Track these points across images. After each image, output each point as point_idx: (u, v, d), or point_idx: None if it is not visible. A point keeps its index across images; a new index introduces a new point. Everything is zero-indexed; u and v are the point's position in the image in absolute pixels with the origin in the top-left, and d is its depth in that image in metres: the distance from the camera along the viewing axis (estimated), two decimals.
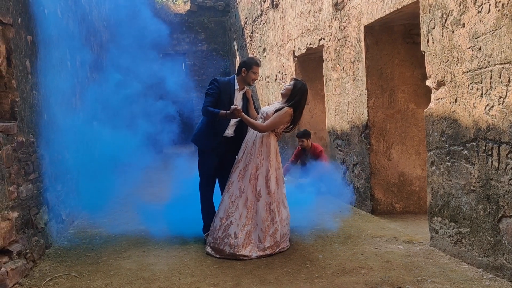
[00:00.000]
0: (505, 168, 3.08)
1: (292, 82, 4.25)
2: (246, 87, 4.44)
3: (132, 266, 3.79)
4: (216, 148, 4.34)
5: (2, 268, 3.14)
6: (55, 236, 4.51)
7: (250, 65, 4.31)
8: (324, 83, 6.75)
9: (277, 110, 4.16)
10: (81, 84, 6.53)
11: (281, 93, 4.33)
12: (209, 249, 4.06)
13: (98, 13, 8.53)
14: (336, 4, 6.02)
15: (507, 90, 3.03)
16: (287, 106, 4.14)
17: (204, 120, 4.37)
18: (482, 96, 3.27)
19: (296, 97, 4.16)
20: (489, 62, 3.18)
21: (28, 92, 3.93)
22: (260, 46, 10.80)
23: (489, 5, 3.15)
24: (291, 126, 4.26)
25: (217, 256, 3.96)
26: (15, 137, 3.56)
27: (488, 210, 3.27)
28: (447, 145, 3.74)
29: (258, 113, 4.44)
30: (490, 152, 3.23)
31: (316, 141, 8.10)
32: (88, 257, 4.08)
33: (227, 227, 4.01)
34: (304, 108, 4.35)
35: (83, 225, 5.37)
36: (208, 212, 4.39)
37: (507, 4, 2.98)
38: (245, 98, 4.43)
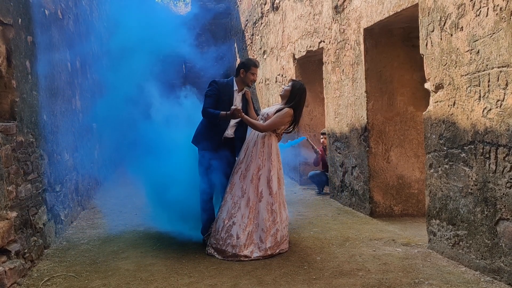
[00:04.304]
0: (502, 171, 3.09)
1: (290, 83, 4.28)
2: (245, 88, 4.46)
3: (130, 267, 3.80)
4: (216, 149, 4.34)
5: (0, 268, 3.15)
6: (53, 236, 4.51)
7: (249, 66, 4.33)
8: (324, 85, 6.77)
9: (278, 110, 4.18)
10: (81, 86, 6.54)
11: (280, 95, 4.36)
12: (211, 250, 4.06)
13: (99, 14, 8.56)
14: (336, 7, 6.04)
15: (504, 93, 3.04)
16: (287, 107, 4.17)
17: (204, 122, 4.38)
18: (480, 99, 3.29)
19: (296, 98, 4.18)
20: (487, 65, 3.20)
21: (28, 92, 3.94)
22: (260, 49, 10.82)
23: (487, 8, 3.16)
24: (291, 127, 4.28)
25: (220, 257, 3.97)
26: (15, 137, 3.57)
27: (486, 213, 3.28)
28: (445, 148, 3.75)
29: (257, 115, 4.46)
30: (487, 155, 3.24)
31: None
32: (86, 258, 4.09)
33: (229, 228, 4.02)
34: (303, 109, 4.38)
35: (81, 226, 5.37)
36: (208, 213, 4.39)
37: (505, 7, 2.99)
38: (244, 99, 4.44)
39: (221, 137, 4.33)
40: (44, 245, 4.20)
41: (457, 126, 3.57)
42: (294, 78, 7.97)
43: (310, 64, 7.99)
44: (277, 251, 4.03)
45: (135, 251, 4.25)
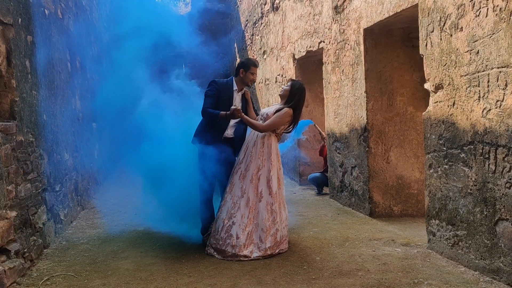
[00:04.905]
0: (502, 171, 3.09)
1: (289, 83, 4.29)
2: (245, 88, 4.46)
3: (130, 267, 3.80)
4: (216, 149, 4.33)
5: (0, 267, 3.15)
6: (53, 236, 4.52)
7: (248, 66, 4.33)
8: (324, 86, 6.77)
9: (277, 110, 4.18)
10: (81, 86, 6.54)
11: (280, 95, 4.36)
12: (211, 250, 4.07)
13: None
14: (336, 7, 6.05)
15: (504, 93, 3.04)
16: (287, 107, 4.17)
17: (204, 122, 4.38)
18: (479, 99, 3.29)
19: (295, 98, 4.19)
20: (486, 65, 3.20)
21: (28, 92, 3.94)
22: (260, 49, 10.82)
23: (487, 9, 3.16)
24: (291, 127, 4.28)
25: (219, 257, 3.97)
26: (14, 137, 3.57)
27: (485, 213, 3.28)
28: (445, 148, 3.75)
29: (257, 115, 4.46)
30: (487, 155, 3.24)
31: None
32: (86, 257, 4.09)
33: (229, 228, 4.02)
34: (303, 109, 4.38)
35: (81, 226, 5.37)
36: (207, 213, 4.39)
37: (505, 8, 3.00)
38: (244, 99, 4.44)
39: (221, 137, 4.34)
40: (44, 245, 4.20)
41: (457, 127, 3.57)
42: (294, 78, 7.97)
43: (310, 64, 7.99)
44: (277, 251, 4.03)
45: (135, 250, 4.25)
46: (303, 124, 6.01)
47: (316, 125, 6.89)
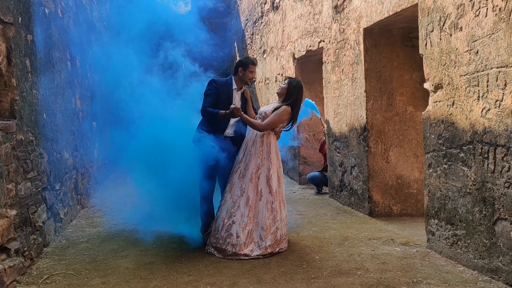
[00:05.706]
0: (501, 171, 3.10)
1: (287, 81, 4.31)
2: (244, 87, 4.46)
3: (130, 265, 3.80)
4: (216, 148, 4.34)
5: (0, 266, 3.16)
6: (53, 234, 4.52)
7: (247, 64, 4.33)
8: (323, 85, 6.78)
9: (276, 109, 4.19)
10: (81, 85, 6.54)
11: (277, 93, 4.37)
12: (211, 249, 4.07)
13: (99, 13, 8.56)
14: (336, 7, 6.05)
15: (503, 93, 3.05)
16: (285, 105, 4.18)
17: (203, 121, 4.38)
18: (479, 99, 3.30)
19: (293, 95, 4.20)
20: (486, 65, 3.21)
21: (28, 91, 3.95)
22: (260, 48, 10.82)
23: (487, 9, 3.17)
24: (290, 125, 4.29)
25: (219, 256, 3.98)
26: (14, 136, 3.58)
27: (484, 213, 3.29)
28: (444, 148, 3.76)
29: (256, 114, 4.46)
30: (486, 155, 3.25)
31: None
32: (86, 256, 4.09)
33: (229, 227, 4.03)
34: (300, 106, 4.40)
35: (81, 224, 5.38)
36: (207, 212, 4.39)
37: (504, 8, 3.00)
38: (243, 98, 4.45)
39: (221, 136, 4.34)
40: (44, 243, 4.20)
41: (456, 126, 3.58)
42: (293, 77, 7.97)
43: (310, 63, 7.99)
44: (277, 249, 4.04)
45: (135, 249, 4.26)
46: (305, 110, 5.92)
47: (321, 118, 6.85)
